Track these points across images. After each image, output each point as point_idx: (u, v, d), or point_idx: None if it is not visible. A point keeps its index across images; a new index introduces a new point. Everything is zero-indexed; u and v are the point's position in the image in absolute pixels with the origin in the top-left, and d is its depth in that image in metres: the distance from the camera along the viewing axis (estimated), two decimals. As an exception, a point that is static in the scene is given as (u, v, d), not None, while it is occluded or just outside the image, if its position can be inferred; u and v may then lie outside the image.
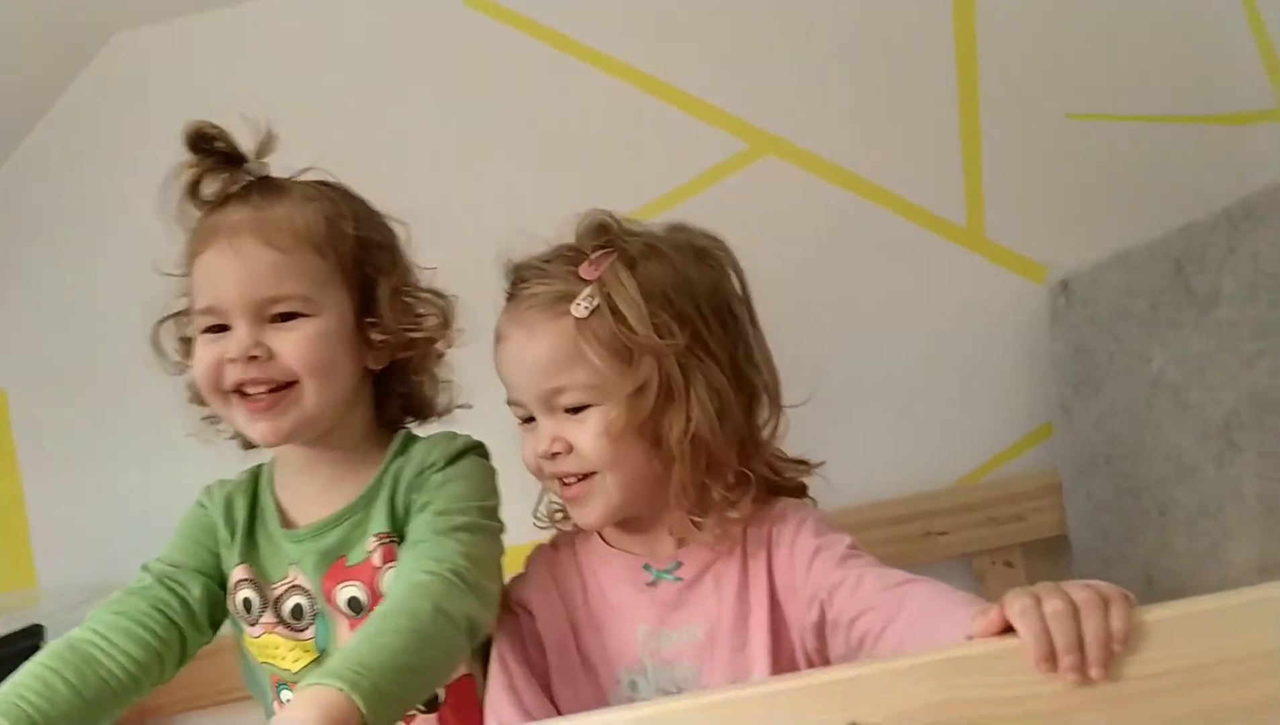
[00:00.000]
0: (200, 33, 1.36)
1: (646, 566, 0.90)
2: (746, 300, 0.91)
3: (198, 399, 0.89)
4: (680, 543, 0.89)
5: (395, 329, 0.87)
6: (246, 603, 0.89)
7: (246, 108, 1.29)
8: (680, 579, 0.88)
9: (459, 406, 0.96)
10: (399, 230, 0.92)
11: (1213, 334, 1.05)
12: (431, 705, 0.88)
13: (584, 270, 0.85)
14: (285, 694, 0.89)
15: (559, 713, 0.90)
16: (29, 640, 1.14)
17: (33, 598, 1.29)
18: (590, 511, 0.87)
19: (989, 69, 1.34)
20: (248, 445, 0.92)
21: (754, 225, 1.27)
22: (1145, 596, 0.61)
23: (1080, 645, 0.58)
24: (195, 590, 0.88)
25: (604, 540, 0.93)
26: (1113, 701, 0.58)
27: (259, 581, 0.90)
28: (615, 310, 0.83)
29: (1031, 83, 1.34)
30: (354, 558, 0.87)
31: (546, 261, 0.88)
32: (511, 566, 0.93)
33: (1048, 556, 1.28)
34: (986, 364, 1.33)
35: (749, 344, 0.90)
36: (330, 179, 0.91)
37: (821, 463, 0.94)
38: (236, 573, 0.90)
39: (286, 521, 0.90)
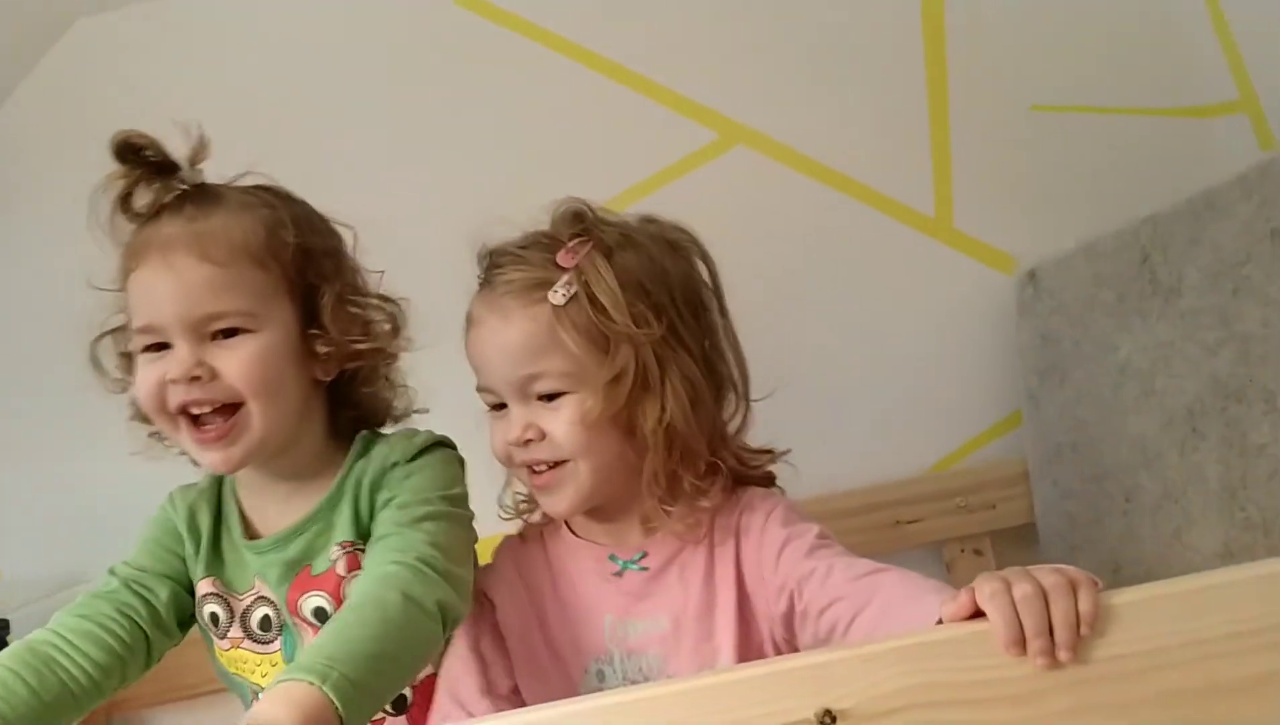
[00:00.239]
0: (167, 19, 1.33)
1: (613, 557, 0.90)
2: (717, 292, 0.91)
3: (141, 417, 0.86)
4: (647, 533, 0.89)
5: (340, 341, 0.84)
6: (214, 617, 0.88)
7: (211, 97, 1.30)
8: (646, 569, 0.88)
9: (416, 411, 0.94)
10: (345, 234, 0.89)
11: (1177, 323, 1.07)
12: (400, 706, 0.87)
13: (561, 257, 0.85)
14: None
15: (525, 705, 0.90)
16: (-7, 634, 1.13)
17: (-5, 592, 1.27)
18: (560, 500, 0.86)
19: (957, 61, 1.35)
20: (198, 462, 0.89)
21: (725, 215, 1.27)
22: (1112, 582, 0.62)
23: (1049, 629, 0.59)
24: (162, 594, 0.87)
25: (571, 531, 0.93)
26: (1080, 684, 0.59)
27: (225, 594, 0.88)
28: (593, 298, 0.83)
29: (999, 75, 1.35)
30: (318, 567, 0.86)
31: (522, 247, 0.87)
32: (480, 560, 0.92)
33: (1018, 544, 1.29)
34: (955, 353, 1.34)
35: (717, 336, 0.90)
36: (269, 183, 0.87)
37: (787, 451, 0.94)
38: (202, 586, 0.88)
39: (250, 531, 0.89)
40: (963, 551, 1.30)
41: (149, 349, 0.82)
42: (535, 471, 0.87)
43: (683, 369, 0.85)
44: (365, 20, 1.34)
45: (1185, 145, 1.33)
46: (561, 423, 0.84)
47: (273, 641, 0.87)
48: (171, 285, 0.79)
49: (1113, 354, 1.15)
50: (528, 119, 1.34)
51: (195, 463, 0.89)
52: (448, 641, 0.88)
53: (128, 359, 0.87)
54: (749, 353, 0.93)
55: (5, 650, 0.80)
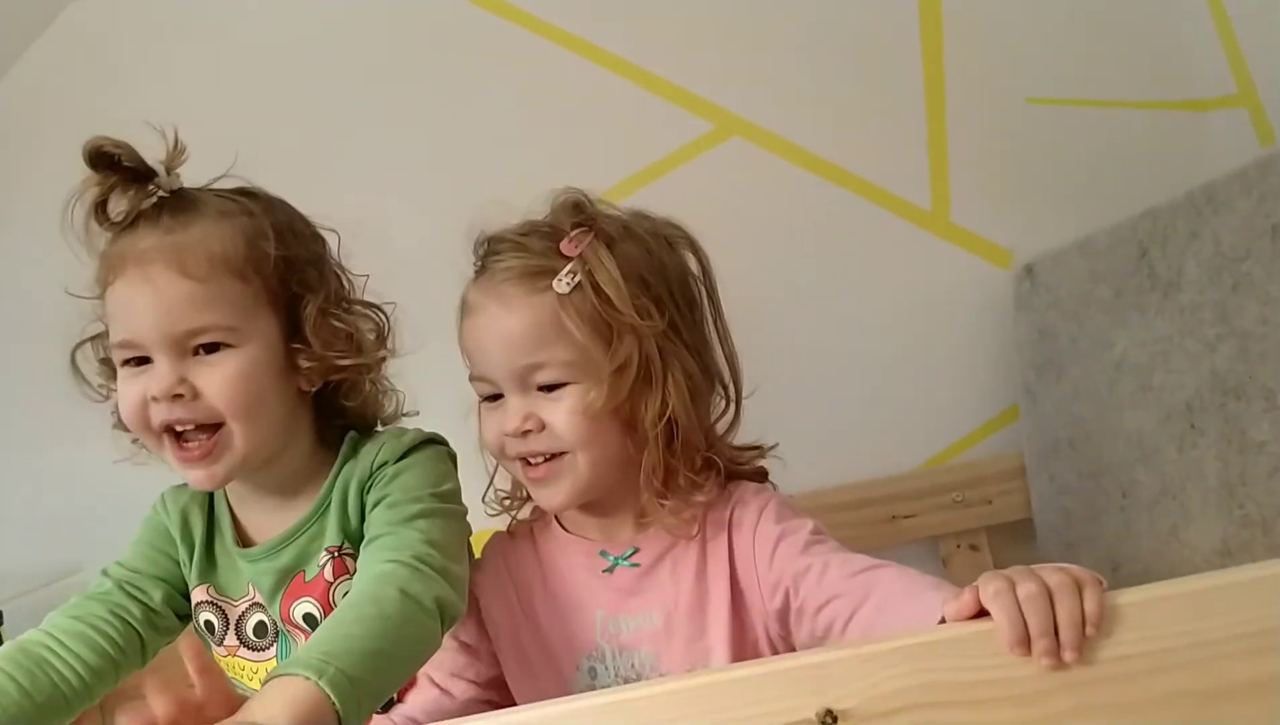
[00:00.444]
0: (159, 8, 1.31)
1: (603, 553, 0.89)
2: (710, 288, 0.91)
3: (124, 425, 0.84)
4: (639, 528, 0.88)
5: (321, 354, 0.82)
6: (209, 624, 0.88)
7: (199, 89, 1.29)
8: (637, 565, 0.88)
9: (406, 413, 0.92)
10: (329, 237, 0.87)
11: (1175, 318, 1.07)
12: (387, 707, 0.87)
13: (565, 246, 0.84)
14: None
15: (510, 698, 0.90)
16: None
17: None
18: (557, 492, 0.85)
19: (954, 54, 1.34)
20: None
21: (720, 207, 1.28)
22: (1109, 579, 0.61)
23: (1054, 629, 0.58)
24: (156, 596, 0.86)
25: (562, 527, 0.92)
26: (1085, 685, 0.58)
27: (220, 601, 0.87)
28: (597, 288, 0.82)
29: (996, 68, 1.34)
30: (310, 573, 0.85)
31: (523, 235, 0.86)
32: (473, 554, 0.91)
33: (1014, 539, 1.29)
34: (952, 348, 1.33)
35: (708, 332, 0.90)
36: (249, 186, 0.85)
37: (774, 445, 0.93)
38: (197, 593, 0.87)
39: (243, 538, 0.88)
40: (959, 547, 1.30)
41: (129, 363, 0.80)
42: (531, 464, 0.85)
43: (683, 363, 0.84)
44: (353, 14, 1.33)
45: (1183, 139, 1.33)
46: (562, 413, 0.83)
47: (268, 648, 0.86)
48: (150, 300, 0.77)
49: (1110, 349, 1.14)
50: (522, 110, 1.33)
51: None
52: None
53: (108, 366, 0.85)
54: (743, 346, 0.92)
55: None
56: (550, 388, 0.83)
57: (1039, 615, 0.58)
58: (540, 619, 0.89)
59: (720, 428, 0.91)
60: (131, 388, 0.79)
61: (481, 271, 0.88)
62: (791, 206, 1.34)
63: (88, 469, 1.27)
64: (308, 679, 0.62)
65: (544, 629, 0.89)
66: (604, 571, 0.88)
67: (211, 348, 0.79)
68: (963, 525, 1.30)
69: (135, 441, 0.86)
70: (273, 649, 0.86)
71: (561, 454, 0.84)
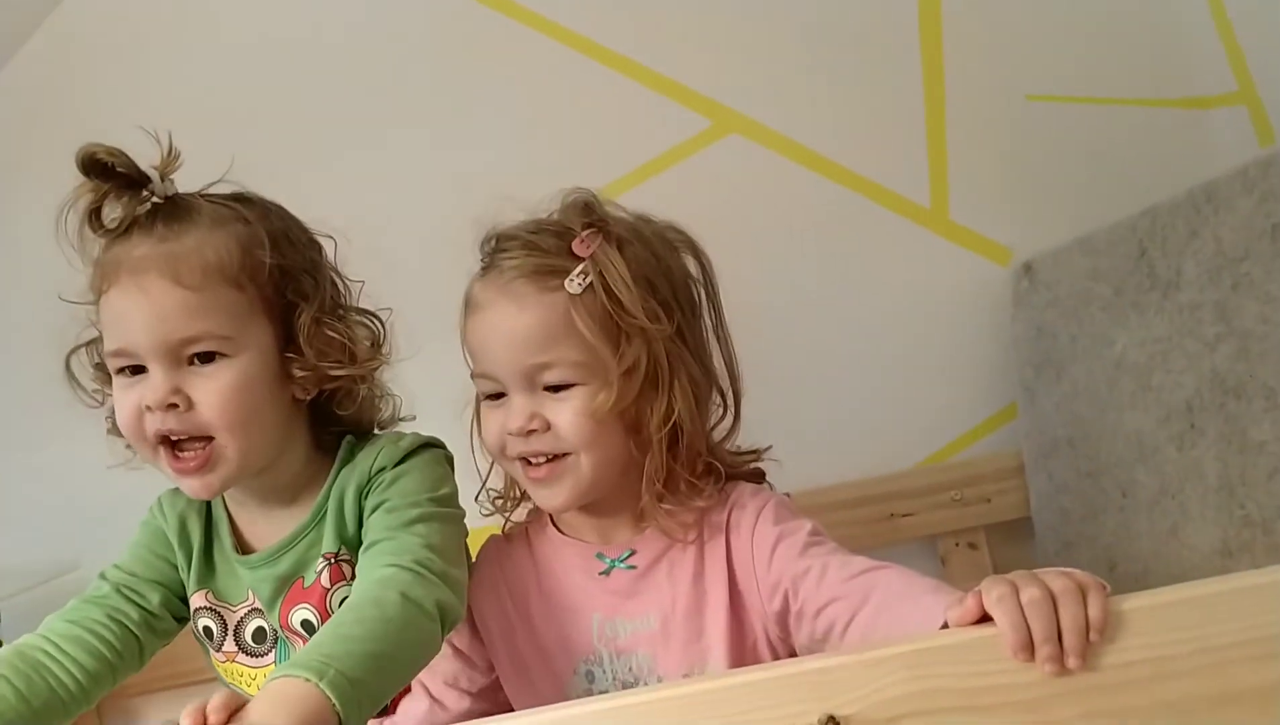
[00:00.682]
0: (152, 8, 1.30)
1: (600, 555, 0.88)
2: (712, 293, 0.90)
3: (119, 431, 0.83)
4: (637, 530, 0.88)
5: (316, 364, 0.81)
6: (207, 630, 0.87)
7: (196, 90, 1.28)
8: (634, 568, 0.87)
9: (402, 418, 0.92)
10: (324, 243, 0.87)
11: (1174, 317, 1.06)
12: (382, 712, 0.87)
13: (576, 246, 0.83)
14: None
15: (506, 704, 0.90)
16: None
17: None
18: (558, 494, 0.85)
19: (953, 50, 1.33)
20: None
21: (718, 204, 1.28)
22: (1108, 579, 0.61)
23: (1058, 634, 0.58)
24: (154, 599, 0.86)
25: (557, 529, 0.91)
26: (1089, 691, 0.58)
27: (218, 607, 0.87)
28: (608, 289, 0.82)
29: (995, 64, 1.34)
30: (309, 579, 0.85)
31: (533, 233, 0.85)
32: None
33: (1012, 538, 1.29)
34: (950, 346, 1.33)
35: (708, 337, 0.90)
36: (246, 192, 0.84)
37: (768, 447, 0.93)
38: (195, 599, 0.87)
39: (241, 544, 0.87)
40: (957, 545, 1.29)
41: (123, 372, 0.80)
42: (532, 464, 0.85)
43: (688, 367, 0.84)
44: (350, 13, 1.32)
45: (1183, 137, 1.32)
46: (568, 414, 0.82)
47: (267, 654, 0.86)
48: (145, 310, 0.77)
49: (1109, 348, 1.14)
50: (519, 107, 1.32)
51: None
52: None
53: (103, 371, 0.85)
54: (740, 343, 0.92)
55: None
56: (557, 388, 0.83)
57: (1043, 621, 0.58)
58: (536, 623, 0.89)
59: (719, 433, 0.90)
60: (127, 397, 0.79)
61: (489, 268, 0.87)
62: (789, 204, 1.33)
63: (85, 467, 1.25)
64: (308, 680, 0.62)
65: (540, 633, 0.89)
66: (600, 574, 0.88)
67: (206, 357, 0.78)
68: (961, 524, 1.29)
69: (129, 447, 0.85)
70: (271, 655, 0.86)
71: (564, 455, 0.83)
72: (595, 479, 0.84)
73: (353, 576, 0.83)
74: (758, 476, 0.93)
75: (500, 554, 0.93)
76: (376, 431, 0.90)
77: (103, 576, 0.87)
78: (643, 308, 0.82)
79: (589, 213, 0.85)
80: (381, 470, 0.84)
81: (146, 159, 0.80)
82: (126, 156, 0.78)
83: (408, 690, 0.90)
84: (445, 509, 0.83)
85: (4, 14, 1.28)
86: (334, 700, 0.61)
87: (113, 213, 0.80)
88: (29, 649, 0.80)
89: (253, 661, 0.86)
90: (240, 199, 0.83)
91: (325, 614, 0.83)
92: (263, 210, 0.84)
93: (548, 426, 0.83)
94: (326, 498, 0.85)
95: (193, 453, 0.79)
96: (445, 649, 0.88)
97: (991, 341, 1.32)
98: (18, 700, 0.76)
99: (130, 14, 1.31)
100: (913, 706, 0.58)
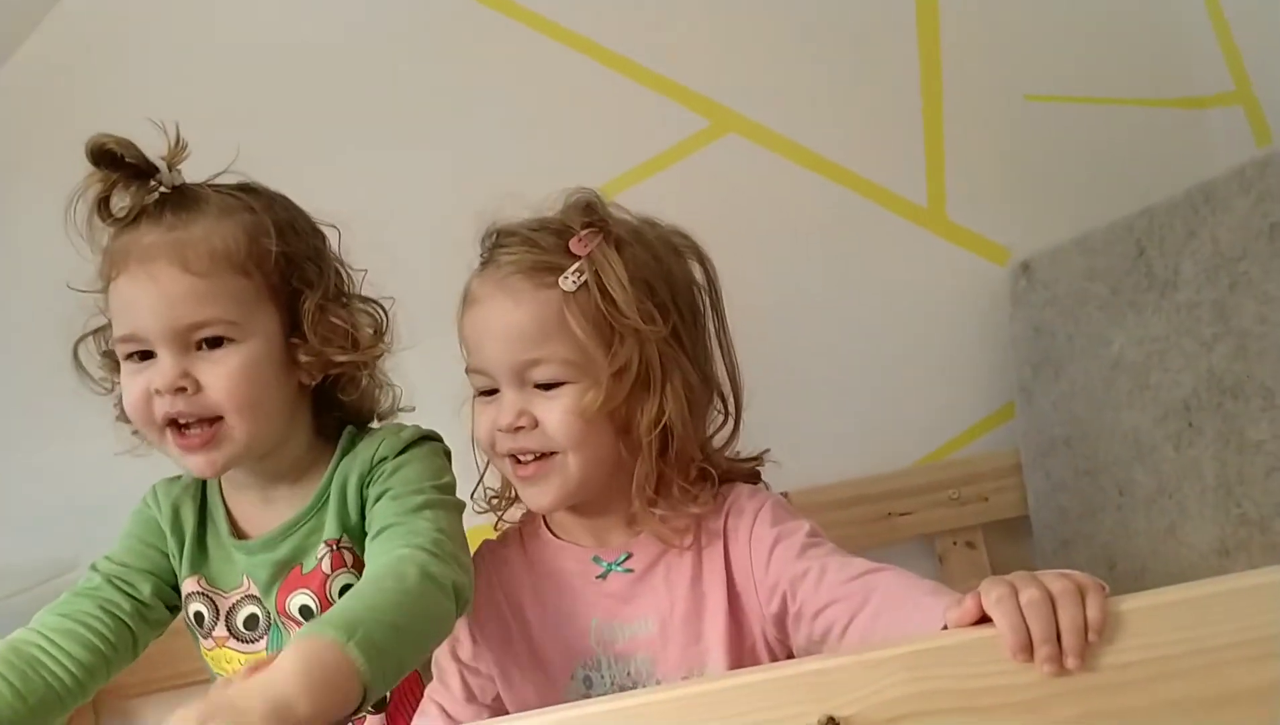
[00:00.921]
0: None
1: (596, 558, 0.88)
2: (715, 299, 0.90)
3: (126, 417, 0.85)
4: (631, 533, 0.88)
5: (320, 350, 0.83)
6: (198, 615, 0.87)
7: (198, 84, 1.27)
8: (631, 571, 0.87)
9: (402, 408, 0.93)
10: (329, 233, 0.88)
11: (1172, 317, 1.07)
12: (380, 705, 0.87)
13: (574, 245, 0.83)
14: None
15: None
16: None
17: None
18: (544, 493, 0.84)
19: (951, 50, 1.34)
20: None
21: (715, 203, 1.28)
22: (1106, 577, 0.62)
23: (1056, 635, 0.58)
24: (145, 589, 0.86)
25: (551, 532, 0.91)
26: (1088, 691, 0.58)
27: (210, 593, 0.87)
28: (603, 289, 0.82)
29: (993, 64, 1.34)
30: (308, 566, 0.85)
31: (533, 230, 0.86)
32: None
33: (1010, 537, 1.30)
34: (948, 345, 1.33)
35: (710, 343, 0.90)
36: (251, 182, 0.86)
37: (766, 450, 0.93)
38: (188, 584, 0.87)
39: (237, 530, 0.88)
40: (955, 544, 1.29)
41: (132, 357, 0.81)
42: (520, 461, 0.84)
43: (683, 371, 0.84)
44: (351, 9, 1.32)
45: (1180, 136, 1.33)
46: (557, 412, 0.82)
47: (258, 640, 0.86)
48: (154, 296, 0.78)
49: (1107, 347, 1.14)
50: (517, 105, 1.32)
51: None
52: None
53: (111, 358, 0.86)
54: (738, 342, 0.92)
55: None
56: (547, 386, 0.83)
57: (1041, 622, 0.58)
58: (532, 628, 0.89)
59: (719, 440, 0.90)
60: (135, 382, 0.81)
61: (487, 263, 0.87)
62: (787, 204, 1.33)
63: (84, 465, 1.27)
64: (336, 641, 0.61)
65: (536, 638, 0.88)
66: (597, 578, 0.87)
67: (214, 343, 0.80)
68: (959, 522, 1.29)
69: (136, 433, 0.87)
70: (263, 641, 0.86)
71: (552, 454, 0.83)
72: (583, 479, 0.84)
73: (354, 563, 0.84)
74: (753, 477, 0.92)
75: (494, 558, 0.92)
76: (376, 422, 0.91)
77: (94, 568, 0.87)
78: (638, 309, 0.82)
79: (590, 212, 0.85)
80: (383, 460, 0.85)
81: (151, 154, 0.82)
82: (135, 147, 0.80)
83: (404, 699, 0.89)
84: (448, 497, 0.84)
85: (3, 13, 1.27)
86: (360, 665, 0.61)
87: (121, 202, 0.81)
88: (22, 644, 0.80)
89: (244, 647, 0.86)
90: (246, 189, 0.85)
91: (325, 600, 0.83)
92: (268, 200, 0.85)
93: (535, 424, 0.83)
94: (328, 485, 0.86)
95: (199, 431, 0.80)
96: (452, 665, 0.89)
97: (989, 340, 1.32)
98: (13, 696, 0.77)
99: (130, 13, 1.30)
100: (912, 708, 0.58)
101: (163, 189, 0.82)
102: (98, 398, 0.89)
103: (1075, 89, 1.34)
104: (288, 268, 0.83)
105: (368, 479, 0.85)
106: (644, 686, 0.84)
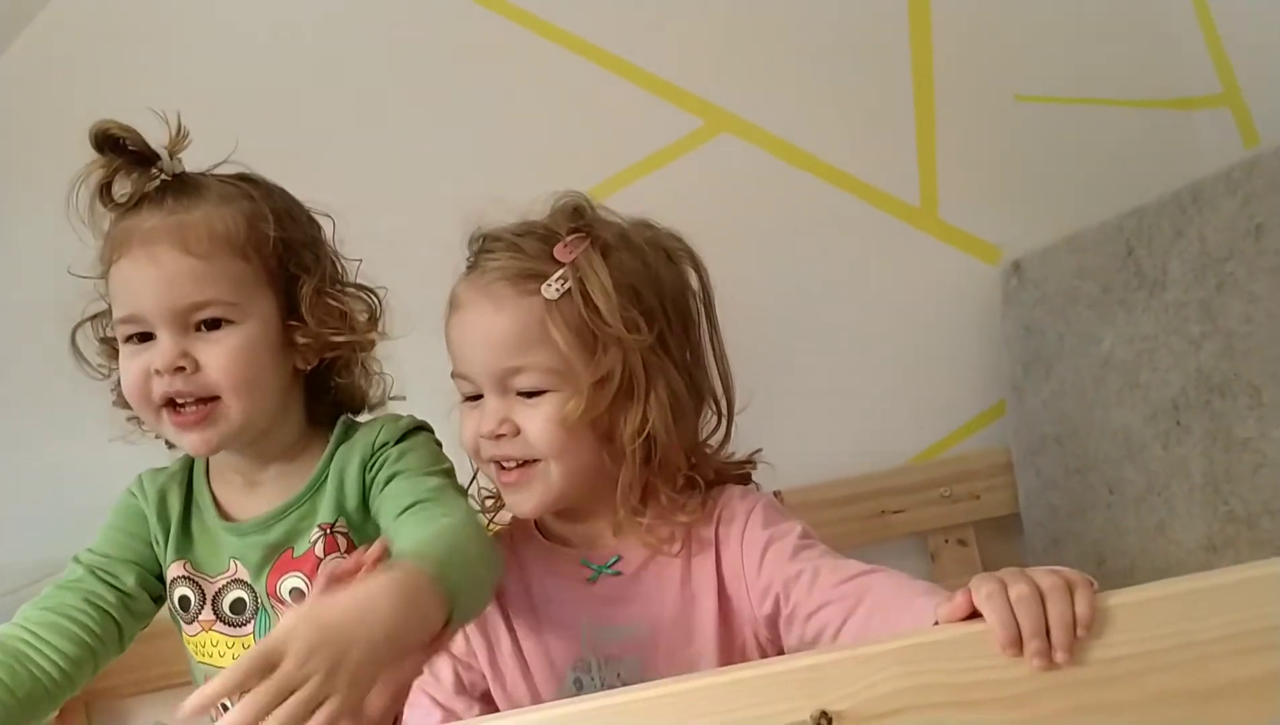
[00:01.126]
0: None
1: (585, 561, 0.87)
2: (708, 304, 0.90)
3: (123, 402, 0.86)
4: (619, 538, 0.87)
5: (317, 332, 0.85)
6: (184, 600, 0.88)
7: (195, 78, 1.27)
8: (620, 574, 0.87)
9: (393, 398, 0.94)
10: (324, 223, 0.90)
11: (1160, 316, 1.08)
12: None
13: (559, 251, 0.83)
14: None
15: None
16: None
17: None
18: (527, 499, 0.84)
19: (943, 50, 1.34)
20: (173, 445, 0.90)
21: (708, 203, 1.28)
22: (1095, 574, 0.62)
23: (1045, 630, 0.59)
24: (129, 580, 0.87)
25: (542, 535, 0.91)
26: (1077, 685, 0.59)
27: (196, 577, 0.88)
28: (587, 296, 0.81)
29: (984, 65, 1.35)
30: (300, 549, 0.86)
31: (518, 235, 0.85)
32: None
33: (1002, 535, 1.30)
34: (940, 343, 1.34)
35: (702, 349, 0.89)
36: (250, 172, 0.88)
37: (758, 449, 0.93)
38: (173, 569, 0.88)
39: (224, 515, 0.88)
40: (947, 542, 1.30)
41: (131, 339, 0.82)
42: (504, 467, 0.84)
43: (668, 380, 0.83)
44: (347, 5, 1.32)
45: (1170, 137, 1.33)
46: (538, 420, 0.82)
47: (246, 624, 0.87)
48: (154, 277, 0.80)
49: (1097, 346, 1.15)
50: (510, 104, 1.32)
51: (171, 446, 0.90)
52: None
53: (109, 345, 0.88)
54: (729, 342, 0.92)
55: None
56: (529, 394, 0.82)
57: (1031, 617, 0.59)
58: (524, 630, 0.89)
59: (711, 443, 0.90)
60: (134, 363, 0.82)
61: (473, 268, 0.87)
62: (780, 203, 1.34)
63: (75, 465, 1.28)
64: (429, 572, 0.65)
65: (527, 640, 0.88)
66: (587, 580, 0.87)
67: (213, 325, 0.82)
68: (951, 520, 1.30)
69: (130, 420, 0.88)
70: (250, 625, 0.86)
71: (534, 461, 0.83)
72: (565, 487, 0.83)
73: (347, 548, 0.85)
74: (744, 478, 0.92)
75: None
76: (367, 412, 0.93)
77: (76, 560, 0.88)
78: (622, 317, 0.81)
79: (577, 217, 0.85)
80: (385, 445, 0.86)
81: (151, 143, 0.83)
82: (138, 134, 0.82)
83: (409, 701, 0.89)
84: (456, 482, 0.86)
85: (1, 2, 1.27)
86: (448, 598, 0.65)
87: (123, 189, 0.83)
88: (8, 640, 0.81)
89: (231, 631, 0.87)
90: (245, 179, 0.87)
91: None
92: (267, 189, 0.87)
93: (517, 431, 0.82)
94: (324, 471, 0.87)
95: (195, 409, 0.82)
96: (444, 658, 0.89)
97: (980, 339, 1.33)
98: (3, 691, 0.77)
99: (125, 6, 1.30)
100: (905, 702, 0.59)
101: (164, 176, 0.84)
102: (91, 398, 0.89)
103: (1066, 90, 1.35)
104: (285, 253, 0.85)
105: (370, 464, 0.86)
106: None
